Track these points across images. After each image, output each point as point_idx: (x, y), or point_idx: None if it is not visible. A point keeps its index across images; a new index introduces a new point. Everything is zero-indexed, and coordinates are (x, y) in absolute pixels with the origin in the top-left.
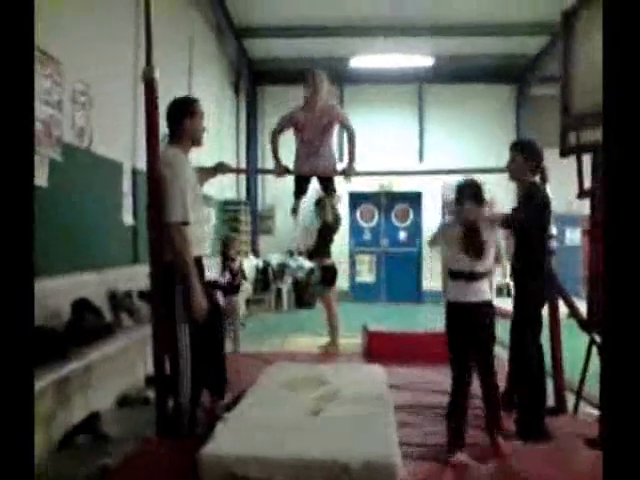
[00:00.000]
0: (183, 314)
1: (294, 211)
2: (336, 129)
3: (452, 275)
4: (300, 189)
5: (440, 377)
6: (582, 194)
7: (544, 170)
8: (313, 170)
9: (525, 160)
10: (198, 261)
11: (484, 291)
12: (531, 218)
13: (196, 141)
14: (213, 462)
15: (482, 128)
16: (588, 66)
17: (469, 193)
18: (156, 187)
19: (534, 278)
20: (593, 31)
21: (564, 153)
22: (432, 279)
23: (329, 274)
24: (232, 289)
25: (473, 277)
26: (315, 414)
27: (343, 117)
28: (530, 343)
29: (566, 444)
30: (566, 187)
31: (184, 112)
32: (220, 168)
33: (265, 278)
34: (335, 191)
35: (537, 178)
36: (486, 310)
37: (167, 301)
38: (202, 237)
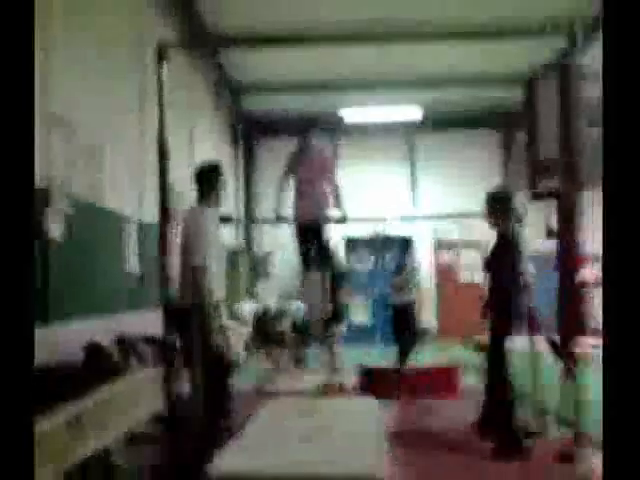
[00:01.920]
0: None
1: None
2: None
3: None
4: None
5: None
6: (550, 234)
7: (518, 213)
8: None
9: (492, 212)
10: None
11: None
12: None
13: (220, 200)
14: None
15: (471, 172)
16: (546, 125)
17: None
18: (163, 239)
19: (503, 312)
20: (550, 96)
21: (533, 198)
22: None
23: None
24: None
25: None
26: (312, 438)
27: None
28: (505, 369)
29: (541, 461)
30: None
31: (211, 177)
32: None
33: (264, 323)
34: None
35: (509, 223)
36: None
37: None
38: (219, 278)
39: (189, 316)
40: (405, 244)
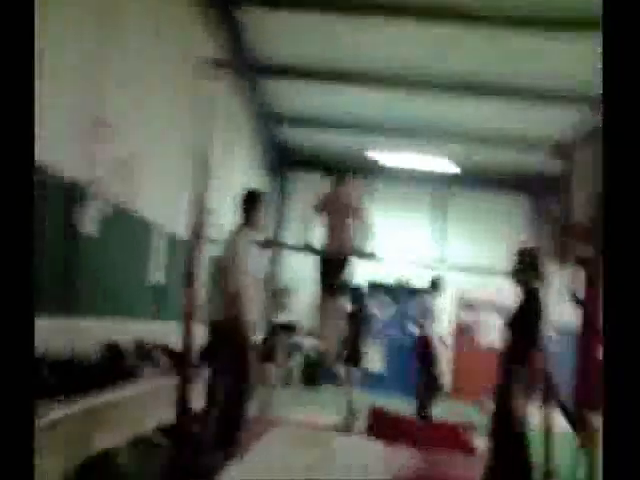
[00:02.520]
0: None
1: None
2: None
3: None
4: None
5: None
6: (577, 302)
7: (544, 276)
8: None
9: (520, 267)
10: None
11: None
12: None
13: (262, 226)
14: None
15: (499, 234)
16: (580, 193)
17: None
18: (195, 251)
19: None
20: (585, 165)
21: (563, 263)
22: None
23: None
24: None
25: None
26: (317, 468)
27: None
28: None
29: None
30: None
31: (257, 202)
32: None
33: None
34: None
35: (536, 283)
36: None
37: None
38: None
39: (228, 333)
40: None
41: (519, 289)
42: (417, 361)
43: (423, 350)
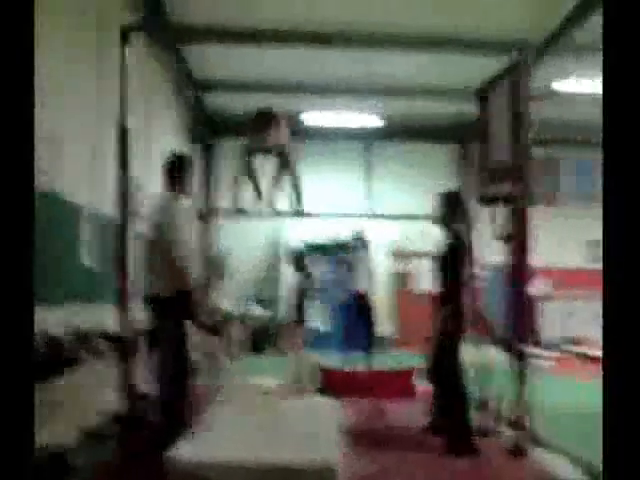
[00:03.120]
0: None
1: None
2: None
3: None
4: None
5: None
6: (501, 238)
7: (468, 215)
8: None
9: (443, 212)
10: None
11: None
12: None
13: (190, 190)
14: (177, 466)
15: (428, 185)
16: (498, 132)
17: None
18: (123, 229)
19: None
20: (501, 104)
21: (483, 203)
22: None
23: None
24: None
25: None
26: (269, 429)
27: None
28: (457, 368)
29: (492, 457)
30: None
31: (184, 166)
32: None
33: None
34: None
35: (460, 225)
36: None
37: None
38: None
39: (171, 304)
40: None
41: (444, 232)
42: (357, 315)
43: (361, 303)
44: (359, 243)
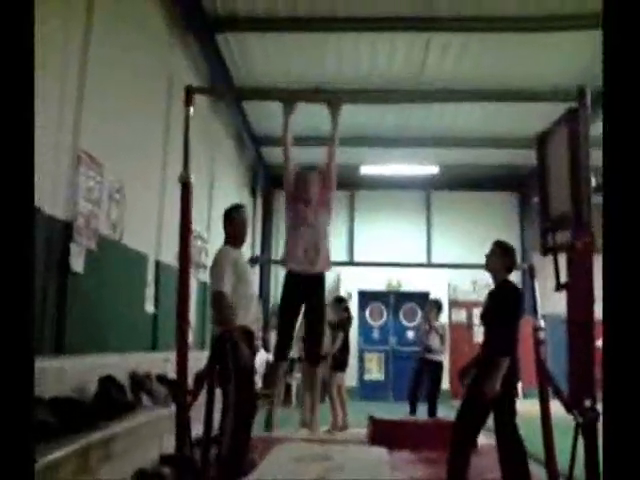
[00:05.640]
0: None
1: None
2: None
3: None
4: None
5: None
6: (559, 287)
7: (532, 268)
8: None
9: (501, 256)
10: (243, 329)
11: None
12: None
13: (238, 240)
14: None
15: (487, 232)
16: (557, 179)
17: None
18: (184, 277)
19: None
20: (560, 150)
21: (544, 252)
22: None
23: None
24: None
25: None
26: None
27: None
28: (514, 427)
29: None
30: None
31: (227, 218)
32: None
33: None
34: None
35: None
36: None
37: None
38: (248, 311)
39: (222, 344)
40: (422, 298)
41: (493, 281)
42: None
43: (431, 369)
44: (435, 308)
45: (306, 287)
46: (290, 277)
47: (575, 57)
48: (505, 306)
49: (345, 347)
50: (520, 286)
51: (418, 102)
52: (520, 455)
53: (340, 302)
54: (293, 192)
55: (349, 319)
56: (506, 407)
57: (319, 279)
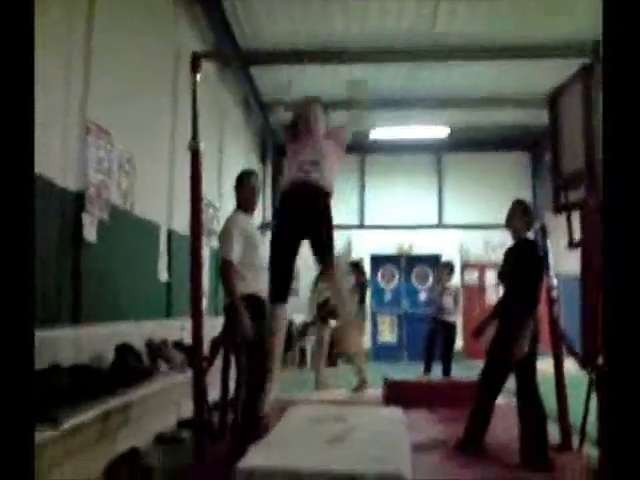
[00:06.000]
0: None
1: None
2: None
3: None
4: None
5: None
6: (572, 245)
7: (544, 227)
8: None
9: (522, 214)
10: (249, 298)
11: None
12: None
13: (249, 206)
14: (247, 475)
15: (499, 192)
16: (570, 137)
17: None
18: (197, 246)
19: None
20: (574, 107)
21: (557, 210)
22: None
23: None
24: None
25: None
26: (337, 440)
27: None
28: (535, 387)
29: (570, 476)
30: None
31: (238, 183)
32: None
33: (288, 337)
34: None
35: (530, 234)
36: None
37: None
38: (258, 278)
39: (233, 309)
40: (433, 261)
41: (513, 235)
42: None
43: (444, 329)
44: (448, 269)
45: (306, 206)
46: (284, 197)
47: (587, 13)
48: (529, 264)
49: (361, 311)
50: None
51: (428, 60)
52: (540, 415)
53: (357, 266)
54: (294, 129)
55: (364, 284)
56: (529, 367)
57: (320, 195)
